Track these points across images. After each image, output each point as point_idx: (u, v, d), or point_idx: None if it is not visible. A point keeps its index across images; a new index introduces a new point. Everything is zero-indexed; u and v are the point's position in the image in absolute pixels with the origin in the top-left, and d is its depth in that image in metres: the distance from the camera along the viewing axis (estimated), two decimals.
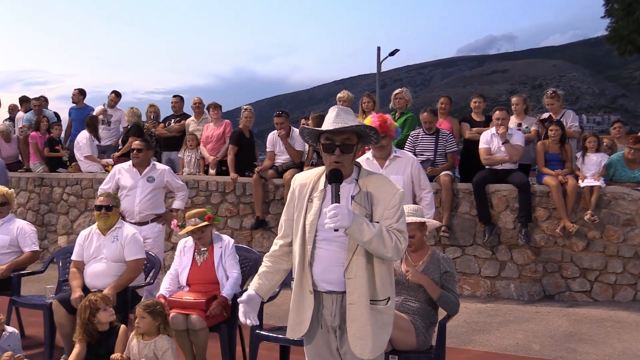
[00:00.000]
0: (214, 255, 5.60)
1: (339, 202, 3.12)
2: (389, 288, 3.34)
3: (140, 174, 7.30)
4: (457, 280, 8.31)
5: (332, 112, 3.35)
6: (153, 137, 11.44)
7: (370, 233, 3.12)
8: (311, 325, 3.38)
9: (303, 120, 10.15)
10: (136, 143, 7.38)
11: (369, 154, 6.29)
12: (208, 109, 10.96)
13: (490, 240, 8.31)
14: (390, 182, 3.38)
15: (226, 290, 5.38)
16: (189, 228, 5.64)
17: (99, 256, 5.85)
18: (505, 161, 8.31)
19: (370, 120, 5.86)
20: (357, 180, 3.34)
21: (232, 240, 5.77)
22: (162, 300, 5.15)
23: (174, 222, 6.10)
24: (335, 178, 3.21)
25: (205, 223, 5.62)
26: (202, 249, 5.64)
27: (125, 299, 5.70)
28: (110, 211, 5.96)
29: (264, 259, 3.60)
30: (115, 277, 5.75)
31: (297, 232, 3.39)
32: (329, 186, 3.30)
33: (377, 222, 3.21)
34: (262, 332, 5.01)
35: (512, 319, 7.35)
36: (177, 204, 7.61)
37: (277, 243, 3.58)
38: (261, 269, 3.58)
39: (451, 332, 6.52)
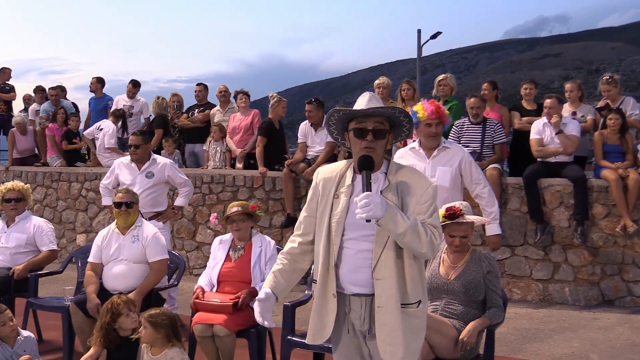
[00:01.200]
0: (252, 253, 5.63)
1: (370, 191, 3.10)
2: (420, 290, 3.33)
3: (139, 170, 7.38)
4: (506, 284, 8.26)
5: (363, 98, 3.36)
6: (176, 128, 11.56)
7: (404, 225, 3.10)
8: (338, 330, 3.39)
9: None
10: (133, 138, 7.48)
11: (416, 143, 6.21)
12: (235, 97, 10.99)
13: (542, 240, 8.22)
14: (422, 176, 3.38)
15: (259, 287, 5.39)
16: (231, 210, 5.71)
17: (119, 257, 5.92)
18: (559, 153, 8.21)
19: (422, 106, 5.81)
20: (386, 173, 3.33)
21: (274, 242, 5.81)
22: (200, 292, 5.32)
23: (213, 214, 6.18)
24: (366, 165, 3.20)
25: (247, 211, 5.70)
26: (239, 246, 5.69)
27: (149, 302, 5.76)
28: (130, 208, 6.03)
29: (279, 256, 3.58)
30: (137, 279, 5.82)
31: (321, 231, 3.37)
32: (357, 179, 3.30)
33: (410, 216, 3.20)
34: (294, 339, 5.03)
35: (567, 326, 7.26)
36: (179, 201, 7.65)
37: (294, 240, 3.56)
38: (276, 266, 3.55)
39: (500, 339, 6.47)
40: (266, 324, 3.37)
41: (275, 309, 5.64)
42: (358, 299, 3.33)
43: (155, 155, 7.62)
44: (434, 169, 5.87)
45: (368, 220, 3.08)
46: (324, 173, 3.49)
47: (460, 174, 6.01)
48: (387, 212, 3.07)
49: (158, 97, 11.56)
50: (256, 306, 3.40)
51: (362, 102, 3.34)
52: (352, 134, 3.32)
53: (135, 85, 12.50)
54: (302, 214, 3.55)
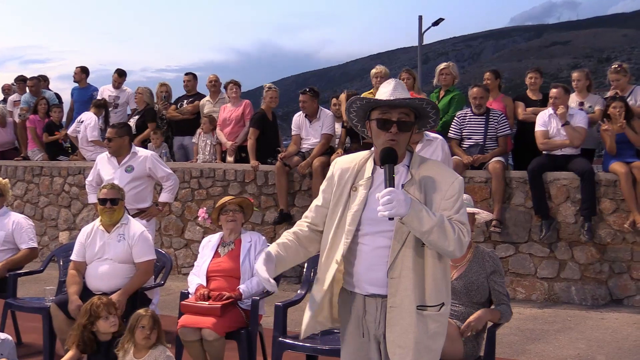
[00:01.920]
0: (241, 248, 5.65)
1: (393, 186, 3.05)
2: (443, 292, 3.28)
3: (119, 164, 7.36)
4: (510, 283, 8.28)
5: (388, 85, 3.29)
6: (164, 120, 11.55)
7: (430, 222, 3.04)
8: (352, 332, 3.37)
9: (334, 100, 10.13)
10: (107, 131, 7.49)
11: None
12: (225, 87, 11.00)
13: (548, 237, 8.23)
14: (447, 169, 3.34)
15: (245, 286, 5.42)
16: (225, 199, 5.74)
17: (104, 256, 5.90)
18: (565, 145, 8.22)
19: None
20: (408, 166, 3.29)
21: (264, 238, 5.83)
22: (205, 290, 5.33)
23: (202, 210, 6.17)
24: (389, 158, 3.15)
25: (242, 202, 5.76)
26: (228, 241, 5.71)
27: (134, 303, 5.75)
28: (115, 205, 6.00)
29: (284, 234, 3.52)
30: (122, 279, 5.81)
31: (332, 223, 3.34)
32: (377, 172, 3.26)
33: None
34: (286, 340, 5.03)
35: (573, 327, 7.28)
36: (164, 196, 7.62)
37: (303, 224, 3.51)
38: (280, 240, 3.48)
39: (502, 340, 6.49)
40: (271, 282, 3.23)
41: (267, 309, 5.71)
42: (373, 300, 3.29)
43: (137, 148, 7.58)
44: None
45: (391, 218, 3.04)
46: (341, 163, 3.44)
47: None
48: (412, 209, 3.01)
49: (145, 88, 11.52)
50: (261, 264, 3.27)
51: (387, 90, 3.26)
52: (374, 125, 3.27)
53: (121, 74, 12.48)
54: (315, 202, 3.51)
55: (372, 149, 3.37)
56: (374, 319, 3.30)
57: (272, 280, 3.23)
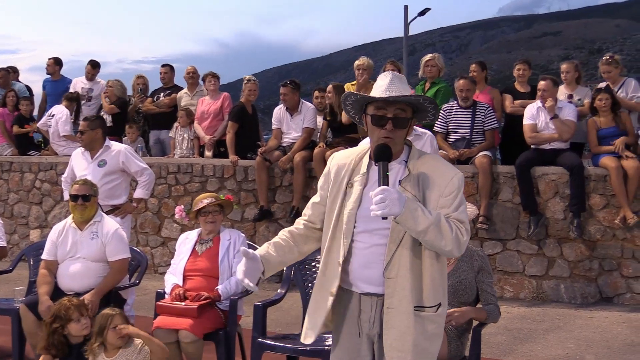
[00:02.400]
0: (220, 246, 5.66)
1: (387, 185, 3.05)
2: (440, 292, 3.29)
3: (92, 158, 7.34)
4: (497, 281, 8.31)
5: (384, 79, 3.28)
6: (140, 114, 11.50)
7: (425, 221, 3.05)
8: (347, 331, 3.37)
9: (316, 93, 10.12)
10: (80, 124, 7.47)
11: None
12: (204, 79, 10.96)
13: (536, 233, 8.27)
14: (447, 164, 3.34)
15: (224, 286, 5.42)
16: (204, 198, 5.73)
17: (76, 255, 5.87)
18: (554, 139, 8.27)
19: None
20: (406, 161, 3.29)
21: (244, 236, 5.84)
22: (180, 290, 5.34)
23: (179, 207, 6.15)
24: (383, 155, 3.14)
25: (220, 200, 5.75)
26: (206, 238, 5.71)
27: (108, 303, 5.72)
28: (87, 201, 5.96)
29: (280, 232, 3.53)
30: (95, 279, 5.79)
31: (330, 222, 3.34)
32: (373, 168, 3.27)
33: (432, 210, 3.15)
34: (265, 341, 5.04)
35: (562, 326, 7.33)
36: (138, 192, 7.59)
37: (300, 222, 3.53)
38: (274, 239, 3.49)
39: (489, 340, 6.52)
40: (247, 283, 3.23)
41: (246, 309, 5.71)
42: (369, 299, 3.30)
43: (111, 142, 7.55)
44: None
45: (384, 218, 3.04)
46: (338, 159, 3.45)
47: None
48: (406, 208, 3.01)
49: (117, 80, 11.45)
50: (241, 265, 3.27)
51: (382, 84, 3.26)
52: (369, 120, 3.28)
53: (94, 66, 12.40)
54: (312, 199, 3.53)
55: (365, 141, 3.38)
56: (368, 318, 3.31)
57: (246, 280, 3.23)
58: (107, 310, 4.70)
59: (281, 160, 9.36)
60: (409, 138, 5.59)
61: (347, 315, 3.36)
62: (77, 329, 4.75)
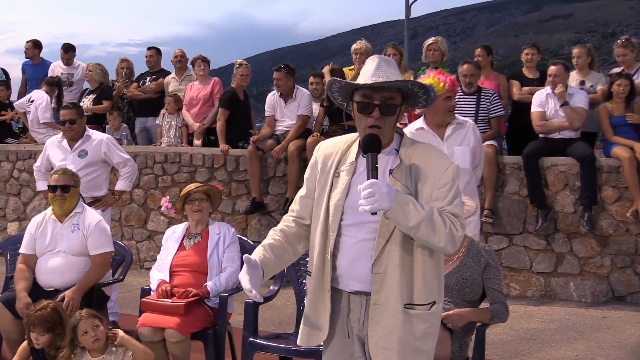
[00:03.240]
0: (209, 240, 5.66)
1: (376, 178, 3.04)
2: (435, 290, 3.28)
3: (71, 148, 7.32)
4: (503, 278, 8.31)
5: (371, 63, 3.27)
6: (125, 100, 11.47)
7: (417, 216, 3.03)
8: (332, 333, 3.36)
9: (312, 79, 10.11)
10: (65, 112, 7.37)
11: (421, 122, 6.30)
12: (193, 63, 10.93)
13: (544, 228, 8.28)
14: (441, 154, 3.32)
15: (213, 283, 5.42)
16: (191, 187, 5.74)
17: (56, 249, 5.87)
18: (563, 128, 8.26)
19: (435, 79, 5.89)
20: (397, 150, 3.28)
21: (234, 229, 5.85)
22: (167, 286, 5.32)
23: (165, 199, 6.15)
24: (371, 146, 3.12)
25: (209, 190, 5.76)
26: (194, 233, 5.70)
27: (90, 300, 5.72)
28: (67, 192, 5.95)
29: (270, 232, 3.50)
30: (76, 274, 5.78)
31: (318, 215, 3.34)
32: (362, 158, 3.25)
33: (425, 204, 3.13)
34: (257, 341, 5.05)
35: (572, 326, 7.35)
36: (120, 184, 7.59)
37: (289, 219, 3.51)
38: (266, 240, 3.45)
39: (494, 341, 6.53)
40: (255, 295, 3.20)
41: (236, 307, 5.71)
42: (358, 298, 3.29)
43: (91, 131, 7.53)
44: (450, 151, 5.95)
45: (374, 213, 3.02)
46: (325, 148, 3.44)
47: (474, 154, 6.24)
48: (397, 202, 3.00)
49: (97, 64, 11.40)
50: (244, 273, 3.24)
51: (369, 70, 3.25)
52: (355, 108, 3.27)
53: (67, 50, 12.24)
54: (299, 194, 3.51)
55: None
56: (357, 318, 3.31)
57: (254, 291, 3.19)
58: (72, 320, 4.72)
59: (275, 149, 9.35)
60: (451, 127, 5.56)
61: (336, 315, 3.35)
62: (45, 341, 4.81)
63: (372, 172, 3.06)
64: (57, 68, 12.23)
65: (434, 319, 3.30)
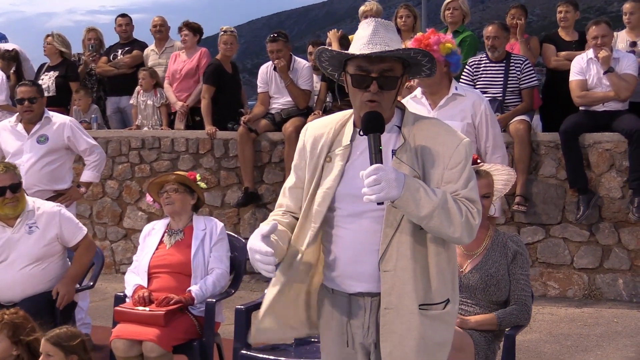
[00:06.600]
0: (193, 237, 5.69)
1: (381, 162, 3.03)
2: (449, 286, 3.29)
3: (29, 133, 7.28)
4: (539, 276, 8.33)
5: (366, 28, 3.24)
6: (93, 76, 11.46)
7: (430, 204, 3.03)
8: (334, 340, 3.38)
9: (310, 48, 10.09)
10: (24, 90, 7.30)
11: (417, 92, 6.27)
12: (179, 31, 10.78)
13: (587, 216, 8.26)
14: (449, 129, 3.31)
15: (198, 287, 5.44)
16: (162, 177, 5.85)
17: (9, 258, 5.78)
18: (608, 98, 8.22)
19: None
20: (399, 127, 3.27)
21: (222, 225, 5.86)
22: (144, 292, 5.35)
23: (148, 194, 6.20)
24: (373, 125, 3.11)
25: (183, 180, 5.79)
26: (176, 229, 5.73)
27: (50, 308, 5.69)
28: (17, 192, 5.84)
29: (270, 217, 3.48)
30: (42, 283, 5.77)
31: (303, 205, 3.35)
32: (358, 138, 3.25)
33: (437, 188, 3.13)
34: (250, 353, 5.06)
35: (621, 330, 7.35)
36: (87, 175, 7.56)
37: (278, 213, 3.48)
38: (270, 217, 3.44)
39: (529, 348, 6.54)
40: (270, 260, 3.11)
41: (226, 315, 5.73)
42: (361, 300, 3.30)
43: (51, 113, 7.48)
44: None
45: (380, 203, 3.02)
46: (313, 129, 3.44)
47: (475, 134, 6.10)
48: (406, 189, 2.99)
49: (57, 34, 11.35)
50: (258, 240, 3.13)
51: (364, 36, 3.22)
52: (349, 81, 3.25)
53: None
54: (286, 185, 3.51)
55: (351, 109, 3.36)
56: (361, 324, 3.31)
57: (270, 257, 3.09)
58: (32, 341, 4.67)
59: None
60: (447, 96, 5.44)
61: (333, 321, 3.37)
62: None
63: (376, 156, 3.05)
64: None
65: (450, 319, 3.31)
